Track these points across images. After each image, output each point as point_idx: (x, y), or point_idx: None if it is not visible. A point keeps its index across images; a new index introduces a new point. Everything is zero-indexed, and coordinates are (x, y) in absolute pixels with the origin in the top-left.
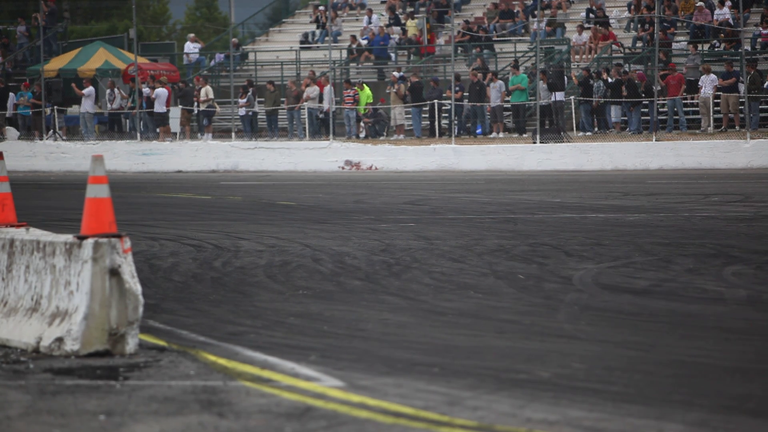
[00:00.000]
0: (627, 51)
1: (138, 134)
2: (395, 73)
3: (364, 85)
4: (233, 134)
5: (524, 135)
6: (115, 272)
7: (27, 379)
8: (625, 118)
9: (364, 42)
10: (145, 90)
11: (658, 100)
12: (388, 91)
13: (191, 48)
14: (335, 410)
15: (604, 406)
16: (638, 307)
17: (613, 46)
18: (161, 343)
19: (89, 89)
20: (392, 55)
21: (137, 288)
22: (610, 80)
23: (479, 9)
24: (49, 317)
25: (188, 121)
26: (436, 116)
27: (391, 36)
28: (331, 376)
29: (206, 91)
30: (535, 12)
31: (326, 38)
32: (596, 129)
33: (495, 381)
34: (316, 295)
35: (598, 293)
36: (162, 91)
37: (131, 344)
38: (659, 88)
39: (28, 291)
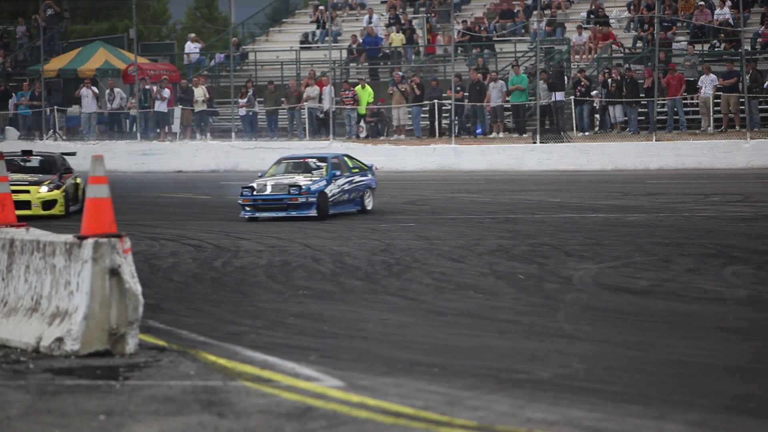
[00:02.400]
0: (627, 51)
1: (138, 134)
2: (399, 73)
3: (366, 84)
4: (233, 134)
5: (524, 135)
6: (115, 272)
7: (27, 379)
8: (626, 118)
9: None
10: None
11: (658, 100)
12: (390, 92)
13: (191, 48)
14: (335, 410)
15: (604, 406)
16: (638, 307)
17: (613, 46)
18: (161, 343)
19: (92, 89)
20: (388, 52)
21: (137, 288)
22: (613, 79)
23: (479, 9)
24: (49, 317)
25: (189, 121)
26: (436, 116)
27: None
28: (331, 376)
29: (204, 91)
30: (535, 12)
31: (326, 38)
32: (596, 129)
33: (495, 381)
34: (316, 295)
35: (598, 293)
36: (166, 91)
37: (131, 344)
38: (662, 86)
39: (28, 291)
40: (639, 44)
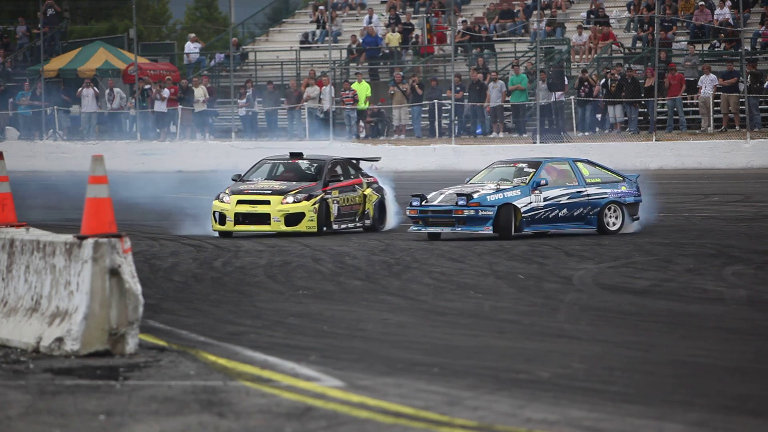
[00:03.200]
0: (627, 51)
1: (138, 134)
2: (399, 73)
3: (363, 80)
4: (233, 134)
5: (524, 135)
6: (115, 272)
7: (27, 379)
8: (626, 118)
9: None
10: (154, 90)
11: (658, 100)
12: (391, 92)
13: (191, 48)
14: (335, 410)
15: (604, 406)
16: (638, 307)
17: (613, 46)
18: (161, 343)
19: (94, 89)
20: (388, 52)
21: (137, 288)
22: (613, 78)
23: (479, 9)
24: (49, 317)
25: (189, 121)
26: (436, 116)
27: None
28: (331, 376)
29: (204, 91)
30: (535, 12)
31: (326, 38)
32: (597, 129)
33: (495, 381)
34: (316, 295)
35: (598, 293)
36: (165, 91)
37: (131, 344)
38: (665, 87)
39: (28, 291)
40: (639, 44)
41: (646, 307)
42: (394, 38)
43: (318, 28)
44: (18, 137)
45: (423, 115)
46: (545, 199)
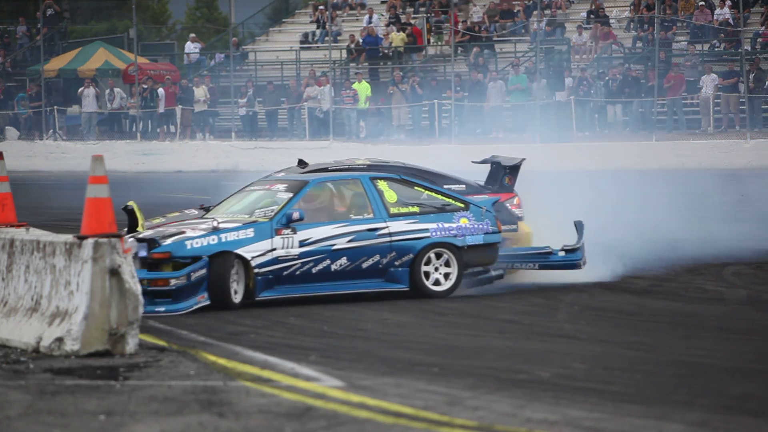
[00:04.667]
0: (627, 51)
1: (138, 134)
2: (399, 73)
3: (363, 80)
4: (233, 134)
5: (524, 135)
6: (115, 272)
7: (27, 379)
8: (626, 118)
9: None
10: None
11: (658, 100)
12: (390, 92)
13: (191, 48)
14: (335, 410)
15: (604, 406)
16: (638, 307)
17: (613, 46)
18: (161, 343)
19: (95, 89)
20: (388, 52)
21: (137, 288)
22: (614, 78)
23: (479, 9)
24: (49, 317)
25: (189, 121)
26: (436, 116)
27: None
28: (331, 376)
29: (204, 91)
30: (535, 12)
31: (326, 38)
32: (597, 129)
33: (495, 381)
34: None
35: (598, 293)
36: (162, 92)
37: (131, 344)
38: (665, 87)
39: (28, 291)
40: (639, 44)
41: (646, 307)
42: (398, 38)
43: (318, 28)
44: (18, 137)
45: (423, 116)
46: (303, 244)
